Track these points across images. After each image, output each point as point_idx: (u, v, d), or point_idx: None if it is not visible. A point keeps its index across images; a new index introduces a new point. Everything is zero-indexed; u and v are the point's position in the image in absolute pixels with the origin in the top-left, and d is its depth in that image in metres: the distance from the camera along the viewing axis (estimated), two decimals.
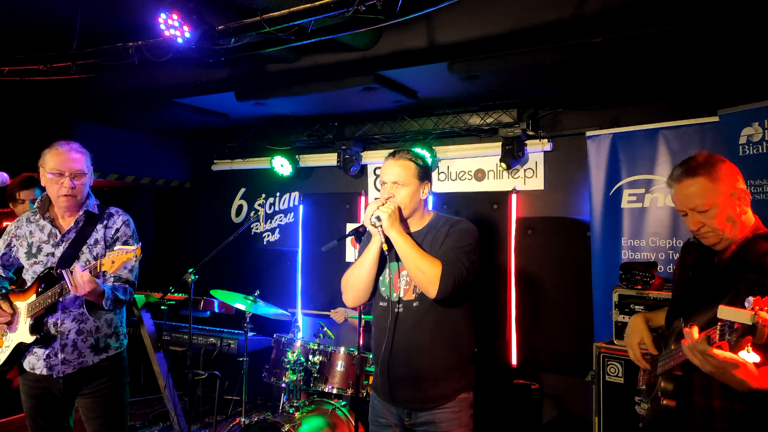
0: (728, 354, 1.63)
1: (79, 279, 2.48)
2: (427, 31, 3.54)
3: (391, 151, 2.55)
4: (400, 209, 2.41)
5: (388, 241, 2.37)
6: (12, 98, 4.78)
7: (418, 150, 2.61)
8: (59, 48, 3.67)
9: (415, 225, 2.52)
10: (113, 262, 2.49)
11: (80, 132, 5.25)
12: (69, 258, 2.72)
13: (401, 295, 2.44)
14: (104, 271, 2.51)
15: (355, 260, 2.59)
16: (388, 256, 2.41)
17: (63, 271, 2.53)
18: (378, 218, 2.35)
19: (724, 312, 1.56)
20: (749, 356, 1.61)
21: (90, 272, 2.50)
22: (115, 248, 2.54)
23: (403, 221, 2.45)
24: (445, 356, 2.39)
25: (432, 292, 2.30)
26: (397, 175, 2.45)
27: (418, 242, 2.42)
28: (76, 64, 3.63)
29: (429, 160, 2.58)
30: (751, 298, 1.52)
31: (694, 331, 1.72)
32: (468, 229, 2.45)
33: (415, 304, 2.40)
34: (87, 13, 3.57)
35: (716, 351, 1.64)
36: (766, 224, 2.01)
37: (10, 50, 3.80)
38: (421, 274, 2.31)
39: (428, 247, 2.41)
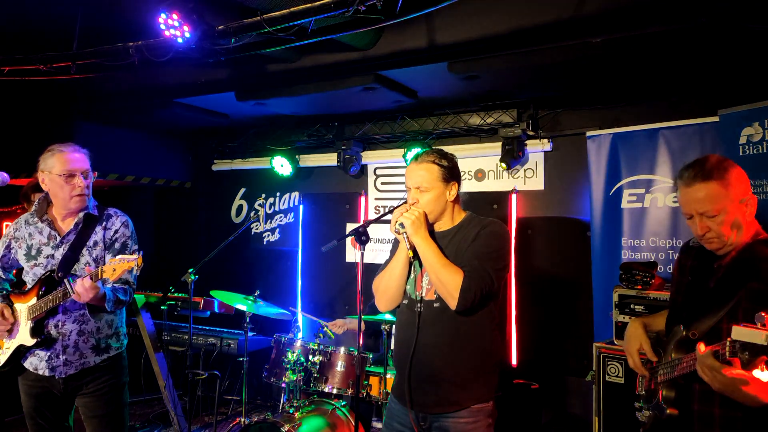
0: (740, 372, 1.60)
1: (80, 287, 2.52)
2: (427, 31, 3.54)
3: (416, 153, 2.48)
4: (425, 214, 2.34)
5: (413, 247, 2.32)
6: (12, 98, 4.79)
7: (444, 149, 2.52)
8: (59, 48, 3.67)
9: (445, 225, 2.45)
10: (114, 270, 2.51)
11: (80, 132, 5.25)
12: (69, 261, 2.72)
13: (423, 295, 2.38)
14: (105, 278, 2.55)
15: (384, 263, 2.54)
16: (412, 261, 2.39)
17: (65, 281, 2.55)
18: (402, 225, 2.30)
19: (739, 333, 1.54)
20: (763, 375, 1.58)
21: (91, 278, 2.52)
22: (117, 257, 2.56)
23: (430, 224, 2.38)
24: (464, 360, 2.31)
25: (452, 304, 2.25)
26: (420, 179, 2.36)
27: (445, 242, 2.37)
28: (76, 64, 3.63)
29: (457, 160, 2.49)
30: (762, 315, 1.50)
31: (701, 347, 1.70)
32: (498, 232, 2.36)
33: (435, 305, 2.34)
34: (87, 13, 3.57)
35: (729, 369, 1.62)
36: (766, 224, 2.01)
37: (10, 50, 3.80)
38: (441, 285, 2.26)
39: (455, 248, 2.35)
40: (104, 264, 2.74)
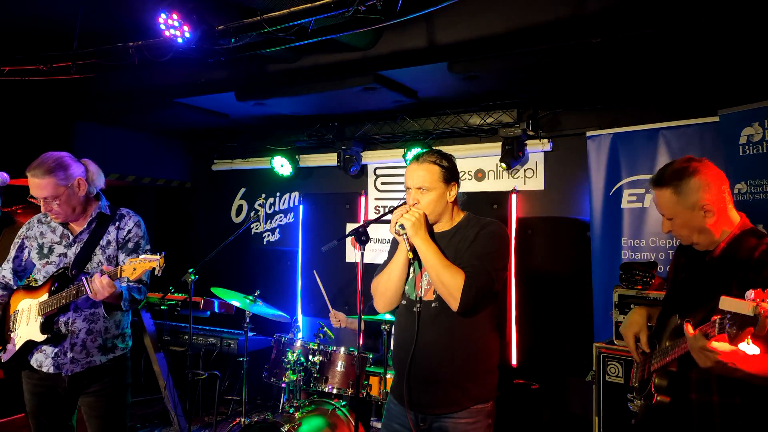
0: (727, 346, 1.63)
1: (98, 284, 2.51)
2: (427, 31, 3.54)
3: (416, 153, 2.48)
4: (425, 215, 2.34)
5: (413, 248, 2.32)
6: (12, 98, 4.79)
7: (442, 150, 2.52)
8: (59, 48, 3.67)
9: (444, 225, 2.45)
10: (135, 270, 2.51)
11: (81, 132, 5.25)
12: (82, 259, 2.73)
13: (421, 295, 2.38)
14: (126, 278, 2.54)
15: (382, 264, 2.54)
16: (411, 262, 2.38)
17: (83, 278, 2.55)
18: (402, 226, 2.30)
19: (726, 303, 1.56)
20: (749, 348, 1.61)
21: (109, 276, 2.52)
22: (140, 256, 2.55)
23: (430, 225, 2.38)
24: (463, 360, 2.31)
25: (453, 305, 2.24)
26: (422, 180, 2.35)
27: (444, 243, 2.37)
28: (76, 64, 3.63)
29: (456, 160, 2.49)
30: (751, 291, 1.53)
31: (688, 328, 1.73)
32: (496, 232, 2.36)
33: (434, 305, 2.34)
34: (87, 13, 3.57)
35: (714, 344, 1.65)
36: (767, 225, 2.03)
37: (10, 50, 3.80)
38: (442, 286, 2.26)
39: (454, 248, 2.35)
40: (116, 263, 2.77)
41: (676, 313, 2.03)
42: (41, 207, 2.71)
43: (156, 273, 2.56)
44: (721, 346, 1.63)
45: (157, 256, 2.53)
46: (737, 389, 1.80)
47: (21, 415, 3.65)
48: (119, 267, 2.54)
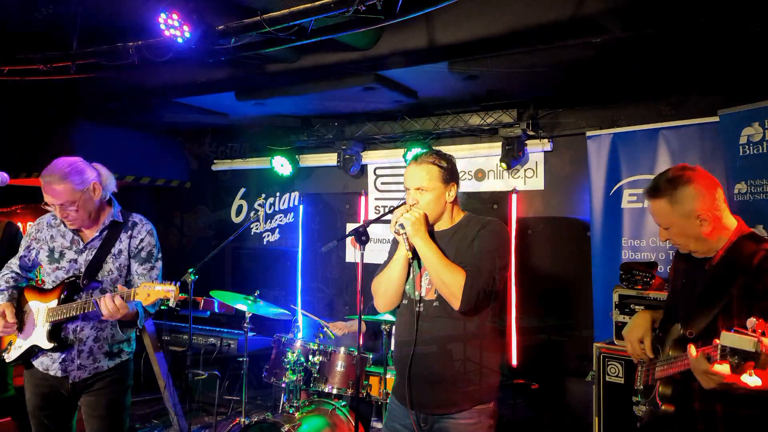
0: (729, 373, 1.62)
1: (110, 306, 2.49)
2: (427, 31, 3.54)
3: (415, 154, 2.48)
4: (425, 215, 2.34)
5: (413, 248, 2.32)
6: (12, 98, 4.79)
7: (442, 150, 2.52)
8: (59, 48, 3.67)
9: (444, 225, 2.45)
10: (149, 296, 2.49)
11: (80, 132, 5.25)
12: (93, 267, 2.70)
13: (422, 294, 2.38)
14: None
15: (382, 264, 2.55)
16: (411, 262, 2.38)
17: (94, 301, 2.54)
18: (402, 226, 2.30)
19: (728, 339, 1.56)
20: (751, 379, 1.60)
21: (122, 297, 2.51)
22: (157, 287, 2.53)
23: (430, 225, 2.39)
24: (465, 360, 2.31)
25: (455, 304, 2.24)
26: (420, 180, 2.36)
27: (444, 242, 2.37)
28: (76, 64, 3.63)
29: (455, 160, 2.50)
30: (753, 320, 1.52)
31: (691, 350, 1.73)
32: (497, 231, 2.37)
33: (435, 304, 2.34)
34: (87, 12, 3.57)
35: (717, 368, 1.64)
36: (767, 225, 2.03)
37: (10, 50, 3.80)
38: (443, 286, 2.26)
39: (455, 247, 2.35)
40: (127, 271, 2.76)
41: (678, 321, 2.02)
42: (57, 214, 2.67)
43: (170, 304, 2.52)
44: (723, 369, 1.63)
45: (173, 287, 2.51)
46: (740, 399, 1.80)
47: (8, 418, 3.61)
48: (133, 290, 2.52)
